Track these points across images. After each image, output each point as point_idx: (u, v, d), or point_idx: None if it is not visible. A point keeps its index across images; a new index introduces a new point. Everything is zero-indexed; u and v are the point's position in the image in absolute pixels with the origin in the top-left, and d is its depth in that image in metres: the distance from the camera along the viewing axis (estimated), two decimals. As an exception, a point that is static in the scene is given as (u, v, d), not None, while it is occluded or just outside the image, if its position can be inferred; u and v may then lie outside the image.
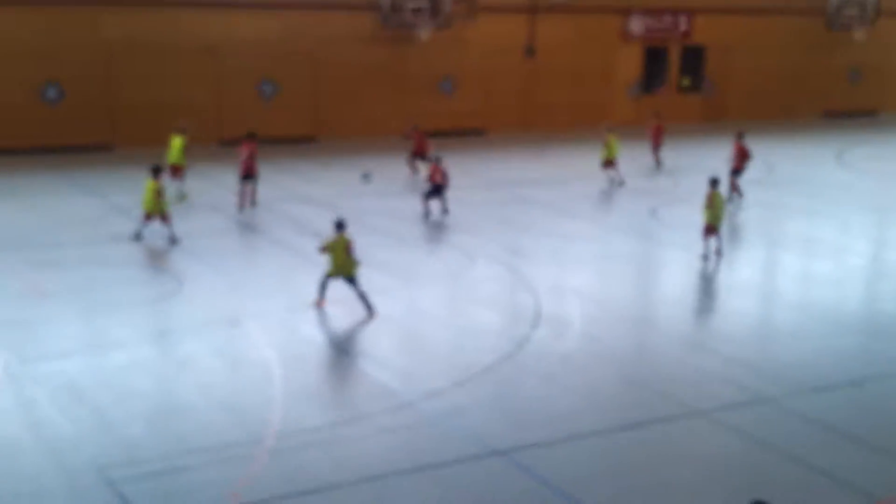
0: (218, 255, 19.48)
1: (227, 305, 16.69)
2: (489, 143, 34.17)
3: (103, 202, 23.16)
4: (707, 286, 19.01)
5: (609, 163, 27.34)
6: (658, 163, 30.10)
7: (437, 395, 13.42)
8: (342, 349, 15.11)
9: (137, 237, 20.17)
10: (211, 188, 25.33)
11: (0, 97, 28.35)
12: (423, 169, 26.85)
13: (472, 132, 35.71)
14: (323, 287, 16.52)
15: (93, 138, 29.53)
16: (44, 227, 20.70)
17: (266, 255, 20.06)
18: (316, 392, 13.57)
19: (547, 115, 36.82)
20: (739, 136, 25.89)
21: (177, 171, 23.91)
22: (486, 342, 15.46)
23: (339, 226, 16.47)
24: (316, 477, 11.18)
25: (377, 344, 15.31)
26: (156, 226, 20.22)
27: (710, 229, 20.01)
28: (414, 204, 23.76)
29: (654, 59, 39.32)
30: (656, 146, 30.16)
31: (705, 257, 20.03)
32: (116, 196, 23.61)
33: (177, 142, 23.89)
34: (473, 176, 28.24)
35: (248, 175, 22.60)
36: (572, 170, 29.15)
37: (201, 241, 20.40)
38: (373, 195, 25.02)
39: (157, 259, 19.13)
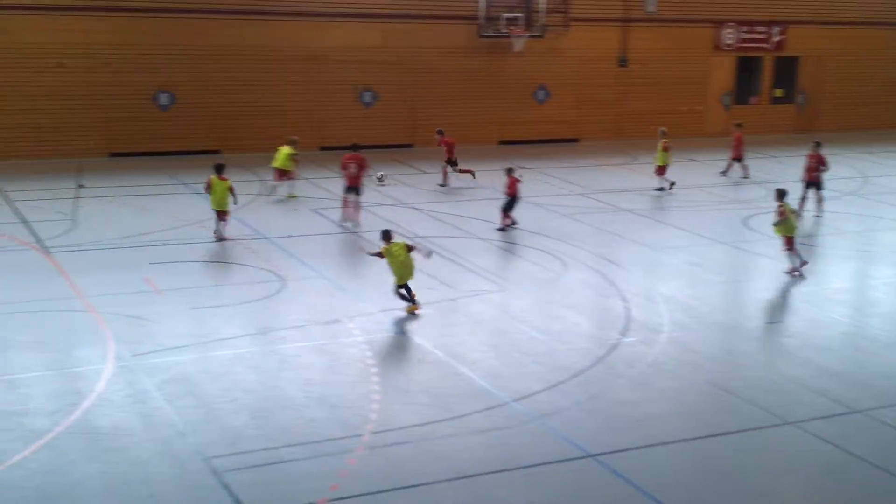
0: (319, 257, 20.08)
1: (327, 305, 17.27)
2: (582, 152, 34.31)
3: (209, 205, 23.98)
4: (798, 295, 18.92)
5: (661, 168, 27.63)
6: (744, 170, 30.01)
7: (529, 397, 13.72)
8: (436, 350, 15.50)
9: (220, 238, 21.04)
10: (313, 192, 26.04)
11: (117, 103, 29.50)
12: (452, 174, 27.31)
13: (566, 141, 35.92)
14: (403, 297, 17.00)
15: (201, 143, 30.54)
16: (158, 227, 21.55)
17: (364, 258, 20.56)
18: (410, 391, 13.98)
19: (639, 124, 36.87)
20: (816, 145, 25.59)
21: (282, 174, 25.15)
22: (578, 346, 15.72)
23: (386, 236, 17.14)
24: (409, 473, 11.56)
25: (470, 346, 15.67)
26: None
27: (789, 242, 19.88)
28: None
29: (747, 69, 39.08)
30: (736, 156, 30.06)
31: (794, 272, 19.85)
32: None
33: (285, 150, 25.10)
34: (566, 183, 28.46)
35: (353, 186, 22.90)
36: (664, 178, 29.17)
37: (304, 244, 21.04)
38: (469, 200, 25.46)
39: (262, 259, 19.79)
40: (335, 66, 32.12)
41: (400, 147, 33.04)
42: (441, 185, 27.32)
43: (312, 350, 15.31)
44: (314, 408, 13.27)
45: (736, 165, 30.05)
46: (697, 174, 29.65)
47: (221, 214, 21.19)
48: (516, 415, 13.21)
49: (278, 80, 31.44)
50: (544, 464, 11.87)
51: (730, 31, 37.97)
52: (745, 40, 38.40)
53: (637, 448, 12.34)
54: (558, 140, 35.73)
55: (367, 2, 32.31)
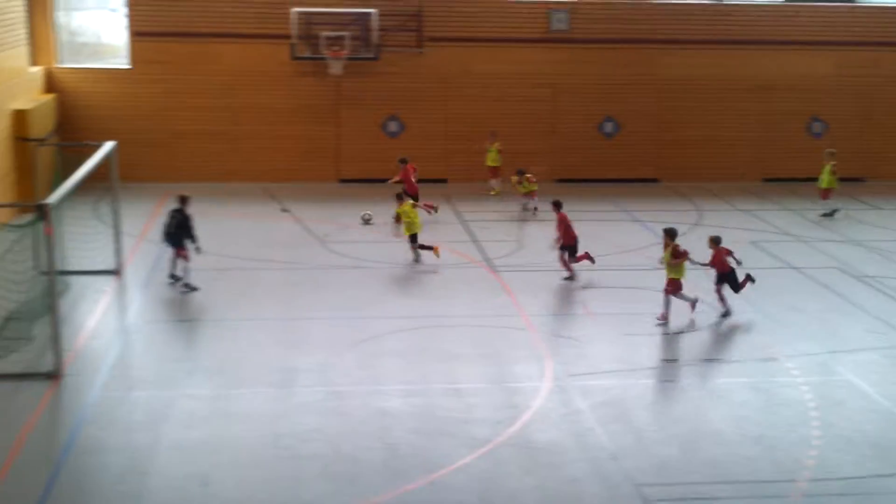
0: (756, 292, 19.44)
1: (764, 342, 16.74)
2: None
3: (648, 232, 24.17)
4: None
5: (825, 192, 25.77)
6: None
7: None
8: (884, 399, 14.40)
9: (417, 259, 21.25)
10: (756, 225, 25.32)
11: (564, 130, 30.68)
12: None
13: None
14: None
15: (641, 172, 30.90)
16: (595, 252, 21.96)
17: (806, 296, 19.62)
18: (853, 440, 13.11)
19: None
20: None
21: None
22: None
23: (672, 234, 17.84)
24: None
25: (924, 399, 14.44)
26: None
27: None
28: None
29: None
30: None
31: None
32: (658, 227, 24.56)
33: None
34: None
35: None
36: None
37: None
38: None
39: (695, 290, 19.57)
40: (782, 94, 31.08)
41: (851, 181, 31.11)
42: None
43: (747, 387, 14.89)
44: (747, 446, 12.90)
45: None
46: None
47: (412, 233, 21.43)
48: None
49: (722, 109, 30.98)
50: None
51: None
52: None
53: None
54: None
55: (823, 29, 30.97)
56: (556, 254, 20.38)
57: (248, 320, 17.59)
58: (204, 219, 22.77)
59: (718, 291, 18.02)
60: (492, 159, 28.28)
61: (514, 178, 26.18)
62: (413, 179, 25.02)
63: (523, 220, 25.58)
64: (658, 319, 17.58)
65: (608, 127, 30.79)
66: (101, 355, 15.83)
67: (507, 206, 26.35)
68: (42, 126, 25.96)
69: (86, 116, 28.44)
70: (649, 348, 16.53)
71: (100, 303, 18.34)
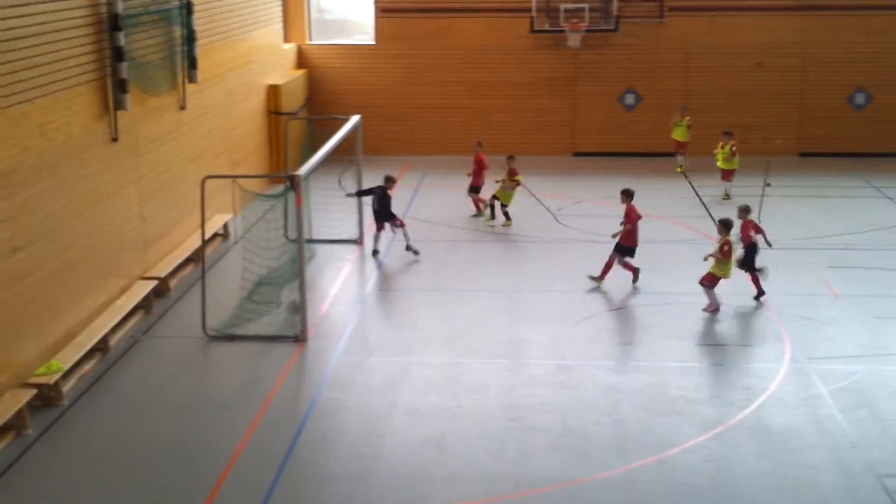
0: None
1: None
2: None
3: (900, 210, 22.89)
4: None
5: None
6: None
7: None
8: None
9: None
10: None
11: (811, 102, 29.31)
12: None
13: None
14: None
15: (894, 146, 29.11)
16: (841, 230, 21.04)
17: None
18: None
19: None
20: None
21: None
22: None
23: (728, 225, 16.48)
24: None
25: None
26: None
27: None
28: None
29: None
30: None
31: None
32: (914, 205, 23.24)
33: None
34: None
35: None
36: None
37: None
38: None
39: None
40: None
41: None
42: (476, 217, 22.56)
43: None
44: None
45: None
46: None
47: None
48: None
49: None
50: None
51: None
52: None
53: None
54: None
55: None
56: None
57: (479, 291, 17.93)
58: (440, 191, 23.38)
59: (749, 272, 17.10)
60: (679, 133, 27.24)
61: (719, 144, 24.93)
62: (483, 168, 22.68)
63: (762, 195, 24.64)
64: (705, 310, 16.58)
65: (859, 98, 29.16)
66: (343, 321, 16.61)
67: (744, 179, 25.41)
68: (293, 100, 27.31)
69: (333, 91, 29.66)
70: (897, 333, 15.68)
71: (342, 271, 19.20)
